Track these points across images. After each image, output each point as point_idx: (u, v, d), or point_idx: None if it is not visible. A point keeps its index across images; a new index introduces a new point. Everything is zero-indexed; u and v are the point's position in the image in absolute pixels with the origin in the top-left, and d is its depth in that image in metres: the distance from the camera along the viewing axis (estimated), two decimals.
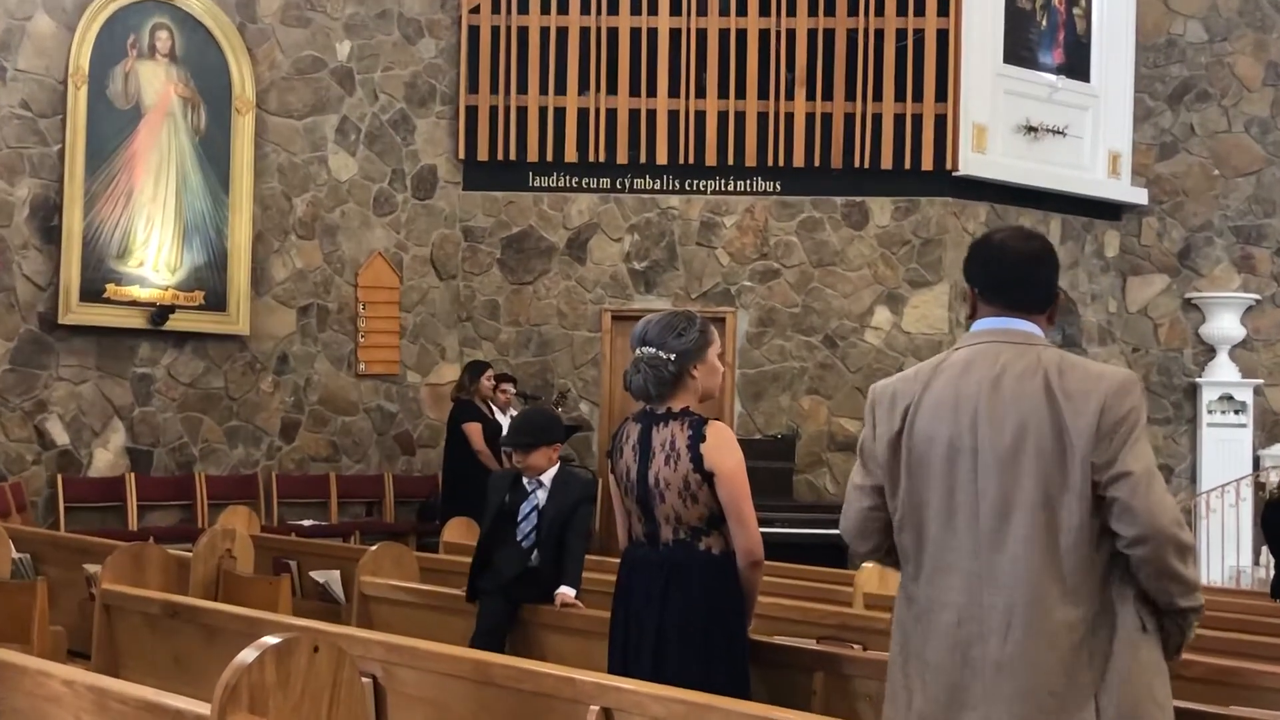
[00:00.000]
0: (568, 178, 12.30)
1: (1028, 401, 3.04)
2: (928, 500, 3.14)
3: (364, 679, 3.66)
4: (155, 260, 10.65)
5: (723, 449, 4.13)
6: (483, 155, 12.24)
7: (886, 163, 12.21)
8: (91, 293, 10.27)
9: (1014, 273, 3.22)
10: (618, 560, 4.37)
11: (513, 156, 12.23)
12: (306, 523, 11.09)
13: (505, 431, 10.59)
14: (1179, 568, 3.00)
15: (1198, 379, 13.47)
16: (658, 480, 4.13)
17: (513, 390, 10.97)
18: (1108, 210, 13.47)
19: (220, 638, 4.10)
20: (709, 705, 2.95)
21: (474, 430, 10.24)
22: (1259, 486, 12.64)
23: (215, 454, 11.10)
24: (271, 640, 2.46)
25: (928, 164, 12.21)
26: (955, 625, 3.08)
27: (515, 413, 10.93)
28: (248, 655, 2.44)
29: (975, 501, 3.08)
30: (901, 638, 3.21)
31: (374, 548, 5.58)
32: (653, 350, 4.22)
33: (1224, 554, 12.56)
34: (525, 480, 5.23)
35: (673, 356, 4.20)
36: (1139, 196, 13.50)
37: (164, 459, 10.82)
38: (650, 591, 4.13)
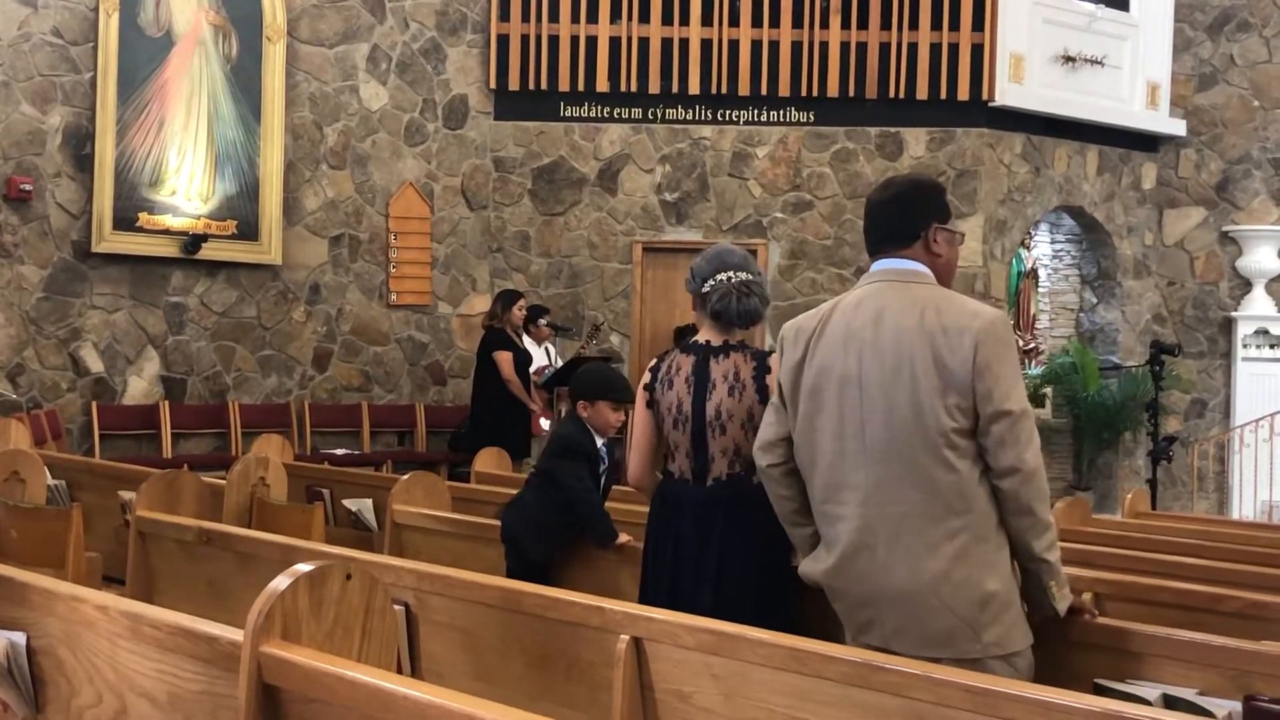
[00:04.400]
0: (599, 108, 12.22)
1: (906, 336, 3.35)
2: (822, 425, 3.46)
3: (396, 606, 3.69)
4: (188, 189, 10.65)
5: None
6: (514, 85, 12.17)
7: (922, 93, 12.09)
8: (124, 221, 10.29)
9: (872, 221, 3.62)
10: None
11: (544, 86, 12.15)
12: (339, 452, 11.15)
13: (547, 368, 10.66)
14: (1038, 506, 3.32)
15: (1233, 313, 13.37)
16: (719, 412, 4.11)
17: (546, 323, 10.96)
18: (1145, 142, 13.32)
19: (253, 564, 4.13)
20: (739, 635, 2.96)
21: (504, 359, 10.24)
22: None
23: (248, 383, 11.15)
24: (305, 568, 2.47)
25: (964, 94, 12.08)
26: (853, 534, 3.40)
27: (549, 345, 10.97)
28: (280, 582, 2.46)
29: (862, 425, 3.39)
30: (813, 547, 3.60)
31: (406, 477, 5.60)
32: (751, 276, 4.23)
33: (1257, 488, 12.51)
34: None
35: (766, 286, 4.30)
36: (1177, 128, 13.34)
37: (197, 387, 10.89)
38: (704, 529, 4.09)
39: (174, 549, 4.40)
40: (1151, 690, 3.38)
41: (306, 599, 2.44)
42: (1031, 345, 13.55)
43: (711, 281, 4.19)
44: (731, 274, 4.18)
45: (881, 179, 3.90)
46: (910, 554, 3.32)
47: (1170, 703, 3.33)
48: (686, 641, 3.03)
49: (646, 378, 4.27)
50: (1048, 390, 12.83)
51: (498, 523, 5.05)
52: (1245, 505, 12.78)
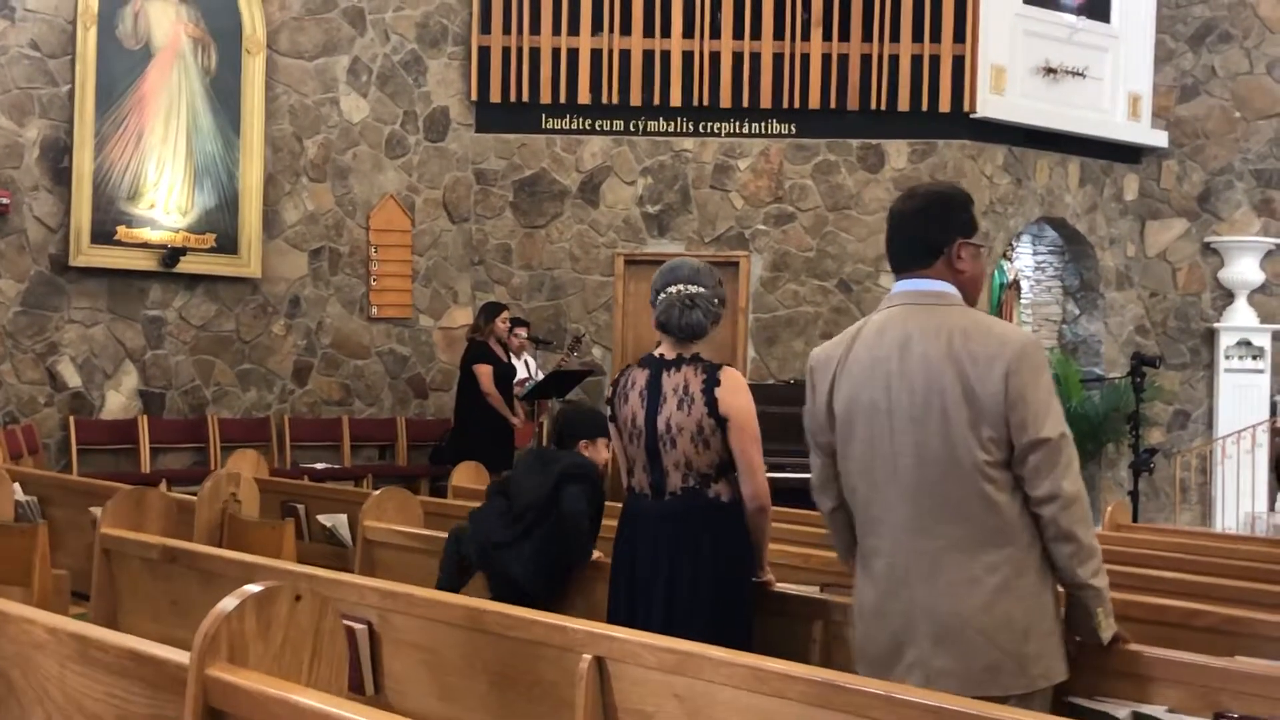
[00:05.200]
0: (580, 120, 12.20)
1: (935, 365, 3.21)
2: (853, 456, 3.35)
3: (359, 625, 3.66)
4: (166, 202, 10.61)
5: (737, 393, 4.13)
6: (495, 97, 12.15)
7: (903, 104, 12.08)
8: (102, 235, 10.24)
9: (894, 236, 3.43)
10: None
11: (525, 98, 12.12)
12: (319, 466, 11.11)
13: (527, 381, 10.62)
14: (1080, 531, 3.20)
15: (1215, 324, 13.36)
16: (669, 425, 4.09)
17: (525, 335, 10.93)
18: (1127, 153, 13.32)
19: (217, 583, 4.08)
20: (701, 655, 2.92)
21: (484, 372, 10.20)
22: (1275, 432, 12.57)
23: (228, 397, 11.10)
24: (253, 588, 2.43)
25: (945, 106, 12.08)
26: (886, 573, 3.29)
27: (530, 358, 10.93)
28: (228, 604, 2.41)
29: (893, 457, 3.26)
30: (857, 581, 3.46)
31: (378, 492, 5.56)
32: (699, 289, 4.18)
33: (1239, 500, 12.50)
34: None
35: (716, 300, 4.22)
36: (1159, 139, 13.34)
37: (176, 401, 10.83)
38: (658, 542, 4.10)
39: (139, 567, 4.35)
40: (1121, 708, 3.35)
41: (254, 620, 2.40)
42: None
43: (662, 294, 4.18)
44: (681, 287, 4.18)
45: (906, 189, 3.69)
46: (950, 589, 3.19)
47: None
48: (648, 661, 2.99)
49: (608, 392, 4.27)
50: None
51: None
52: (1228, 516, 12.77)
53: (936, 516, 3.22)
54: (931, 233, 3.36)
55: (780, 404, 11.17)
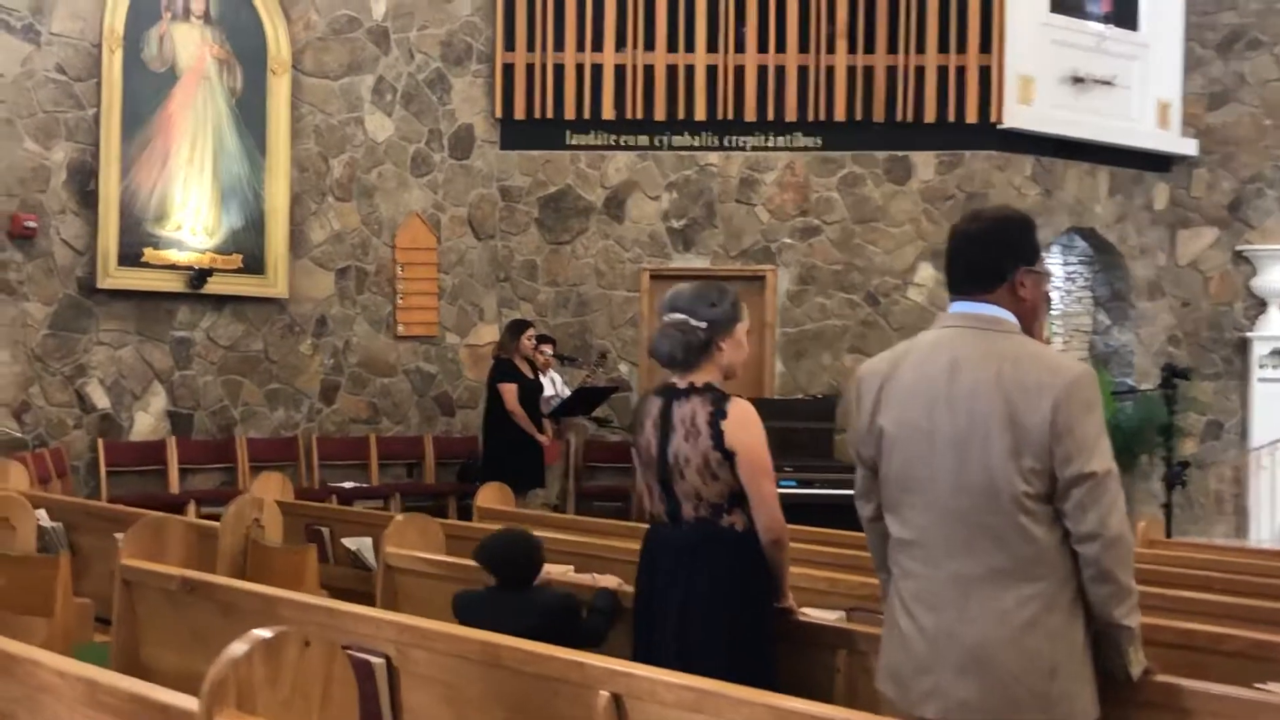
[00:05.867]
0: (605, 135, 12.18)
1: (982, 390, 3.15)
2: (892, 476, 3.30)
3: (377, 658, 3.63)
4: (193, 224, 10.64)
5: (745, 427, 4.05)
6: (519, 114, 12.14)
7: (930, 116, 12.02)
8: (129, 257, 10.27)
9: (958, 258, 3.34)
10: None
11: (550, 115, 12.12)
12: (347, 485, 11.11)
13: (554, 398, 10.60)
14: (1120, 572, 3.12)
15: (1248, 333, 13.23)
16: (677, 457, 4.06)
17: (550, 352, 10.90)
18: (1157, 162, 13.21)
19: (236, 614, 4.06)
20: (719, 693, 2.88)
21: (509, 390, 10.17)
22: None
23: (256, 417, 11.11)
24: (262, 634, 2.40)
25: (972, 116, 12.02)
26: (916, 595, 3.24)
27: (555, 375, 10.91)
28: (236, 649, 2.38)
29: (932, 481, 3.21)
30: (888, 598, 3.41)
31: (399, 518, 5.53)
32: (682, 317, 4.14)
33: (1275, 512, 12.36)
34: None
35: (703, 325, 4.13)
36: (1189, 148, 13.23)
37: (204, 422, 10.85)
38: (673, 571, 4.06)
39: (159, 597, 4.34)
40: None
41: (263, 667, 2.37)
42: None
43: (659, 322, 4.19)
44: (669, 314, 4.17)
45: (969, 211, 3.62)
46: (979, 620, 3.13)
47: None
48: (666, 698, 2.95)
49: (633, 419, 4.24)
50: None
51: None
52: (1263, 528, 12.63)
53: (970, 545, 3.16)
54: (997, 258, 3.29)
55: (808, 419, 11.17)
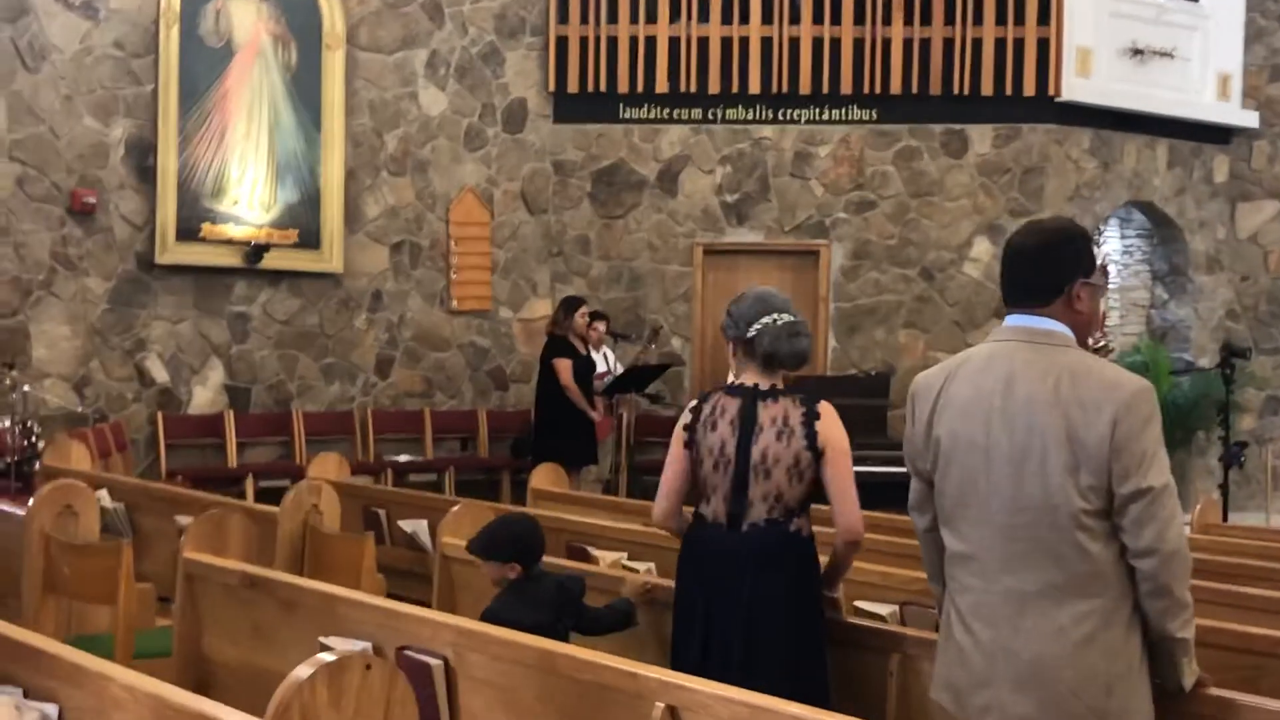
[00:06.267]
0: (659, 109, 12.15)
1: (1039, 406, 3.14)
2: (948, 491, 3.31)
3: (435, 660, 3.68)
4: (249, 199, 10.72)
5: (837, 426, 4.13)
6: (573, 87, 12.12)
7: (987, 89, 11.92)
8: (187, 232, 10.38)
9: (1013, 271, 3.34)
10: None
11: (603, 88, 12.09)
12: (402, 459, 11.20)
13: (606, 375, 10.63)
14: (1177, 587, 3.12)
15: None
16: (765, 456, 4.07)
17: (604, 328, 10.91)
18: (1217, 134, 13.04)
19: (297, 611, 4.12)
20: (773, 709, 2.90)
21: (564, 366, 10.20)
22: None
23: (312, 390, 11.22)
24: (326, 658, 2.45)
25: (1030, 89, 11.91)
26: (972, 610, 3.25)
27: (608, 351, 10.93)
28: (301, 673, 2.44)
29: (988, 496, 3.21)
30: (944, 610, 3.42)
31: (455, 507, 5.58)
32: (794, 318, 4.22)
33: None
34: None
35: (808, 327, 4.29)
36: (1249, 120, 13.05)
37: (262, 396, 10.96)
38: (738, 576, 4.06)
39: (220, 591, 4.41)
40: None
41: (325, 690, 2.42)
42: (1102, 344, 13.33)
43: (759, 325, 4.15)
44: (777, 316, 4.15)
45: (1026, 222, 3.59)
46: (1035, 636, 3.14)
47: None
48: (720, 713, 2.98)
49: (687, 418, 4.21)
50: None
51: (547, 557, 5.04)
52: None
53: (1027, 561, 3.16)
54: (1053, 270, 3.28)
55: (862, 396, 11.12)
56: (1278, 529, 8.88)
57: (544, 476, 7.78)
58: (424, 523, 6.75)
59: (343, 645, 3.91)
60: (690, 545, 4.19)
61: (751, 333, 4.16)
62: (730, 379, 4.28)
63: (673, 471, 4.20)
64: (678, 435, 4.22)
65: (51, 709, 2.92)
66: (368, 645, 3.84)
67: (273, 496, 8.85)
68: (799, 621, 4.03)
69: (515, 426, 11.79)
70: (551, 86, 12.15)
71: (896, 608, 4.90)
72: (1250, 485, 12.79)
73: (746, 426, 4.10)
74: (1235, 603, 5.17)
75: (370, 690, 2.45)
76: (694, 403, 4.26)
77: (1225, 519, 9.74)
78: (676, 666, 3.89)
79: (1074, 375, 3.17)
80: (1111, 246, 13.55)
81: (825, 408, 4.14)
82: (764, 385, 4.17)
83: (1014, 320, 3.33)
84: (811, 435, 4.05)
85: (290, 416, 11.00)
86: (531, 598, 4.29)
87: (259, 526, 5.32)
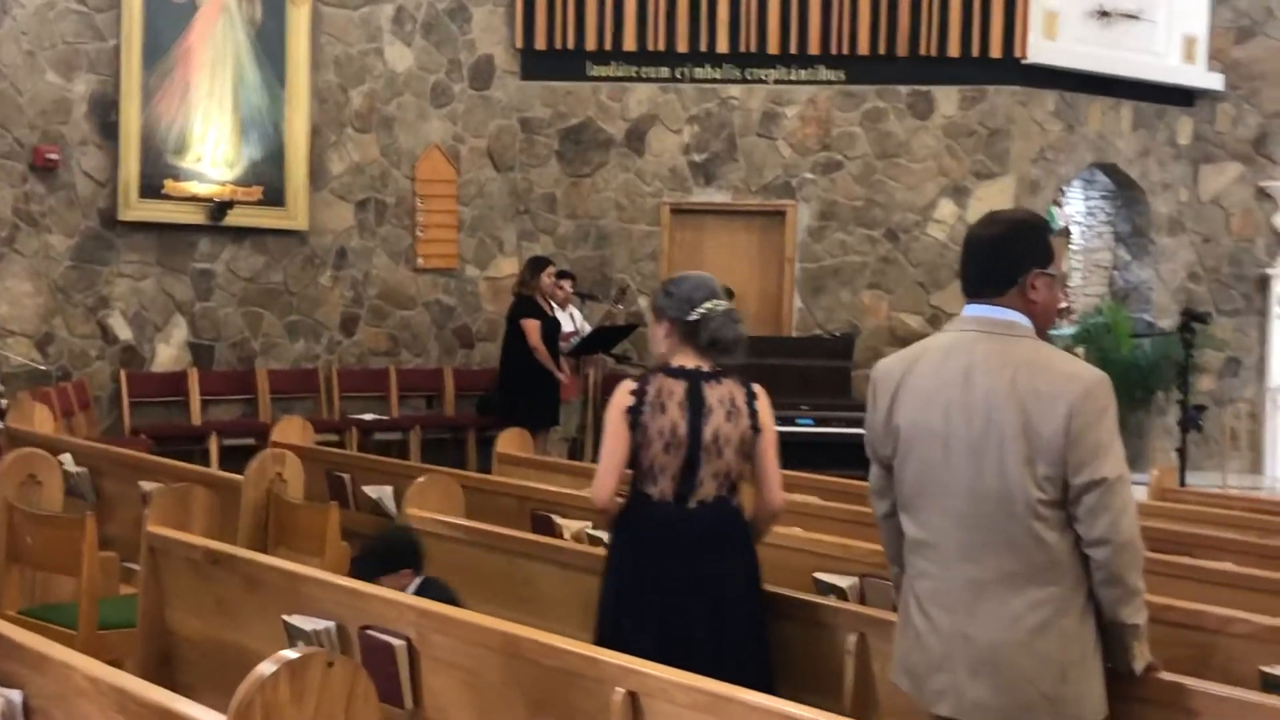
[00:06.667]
0: (627, 67, 12.11)
1: (997, 397, 3.20)
2: (907, 479, 3.36)
3: (398, 640, 3.71)
4: (213, 156, 10.65)
5: (769, 406, 4.31)
6: (540, 44, 12.06)
7: (954, 50, 11.93)
8: (150, 189, 10.31)
9: (970, 261, 3.40)
10: None
11: (570, 45, 12.03)
12: (368, 417, 11.20)
13: (573, 335, 10.63)
14: (1129, 576, 3.20)
15: (1269, 270, 13.18)
16: (717, 436, 4.17)
17: (570, 288, 10.92)
18: (1181, 96, 13.09)
19: (261, 588, 4.14)
20: (732, 698, 2.95)
21: (531, 327, 10.22)
22: None
23: (276, 348, 11.19)
24: (288, 654, 2.48)
25: (996, 51, 11.92)
26: (930, 595, 3.31)
27: (575, 311, 10.94)
28: (263, 669, 2.46)
29: (947, 485, 3.26)
30: (903, 595, 3.47)
31: (421, 479, 5.60)
32: (731, 305, 4.36)
33: None
34: None
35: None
36: (1214, 82, 13.10)
37: (225, 354, 10.94)
38: (690, 551, 4.16)
39: (184, 566, 4.42)
40: None
41: (288, 688, 2.45)
42: (1065, 305, 13.43)
43: (703, 309, 4.22)
44: (719, 302, 4.28)
45: (986, 213, 3.62)
46: (991, 623, 3.21)
47: None
48: (680, 699, 3.02)
49: (630, 400, 4.20)
50: (1079, 350, 12.71)
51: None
52: (1279, 465, 12.69)
53: (985, 549, 3.22)
54: (1008, 262, 3.33)
55: (826, 357, 11.19)
56: (1234, 495, 9.00)
57: (509, 441, 7.81)
58: (389, 489, 6.76)
59: (306, 624, 3.95)
60: (634, 524, 4.23)
61: (695, 316, 4.23)
62: (666, 360, 4.30)
63: (615, 453, 4.19)
64: (619, 418, 4.20)
65: (16, 695, 2.94)
66: (331, 624, 3.87)
67: (236, 455, 8.89)
68: (750, 592, 4.19)
69: (481, 384, 11.80)
70: (519, 43, 12.08)
71: (857, 580, 4.97)
72: (1209, 445, 12.93)
73: (696, 408, 4.19)
74: (1191, 576, 5.26)
75: (332, 688, 2.48)
76: (633, 385, 4.26)
77: (1183, 482, 9.87)
78: (616, 647, 3.87)
79: (1031, 367, 3.21)
80: (1075, 208, 13.63)
81: (759, 389, 4.30)
82: (705, 368, 4.25)
83: (973, 310, 3.37)
84: (754, 414, 4.22)
85: (254, 375, 10.98)
86: (444, 594, 4.44)
87: (223, 495, 5.34)
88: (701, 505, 4.19)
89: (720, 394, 4.21)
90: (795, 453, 9.34)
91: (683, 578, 4.13)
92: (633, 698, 3.11)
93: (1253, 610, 4.46)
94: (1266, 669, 3.97)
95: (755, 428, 4.22)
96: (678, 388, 4.20)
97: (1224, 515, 7.28)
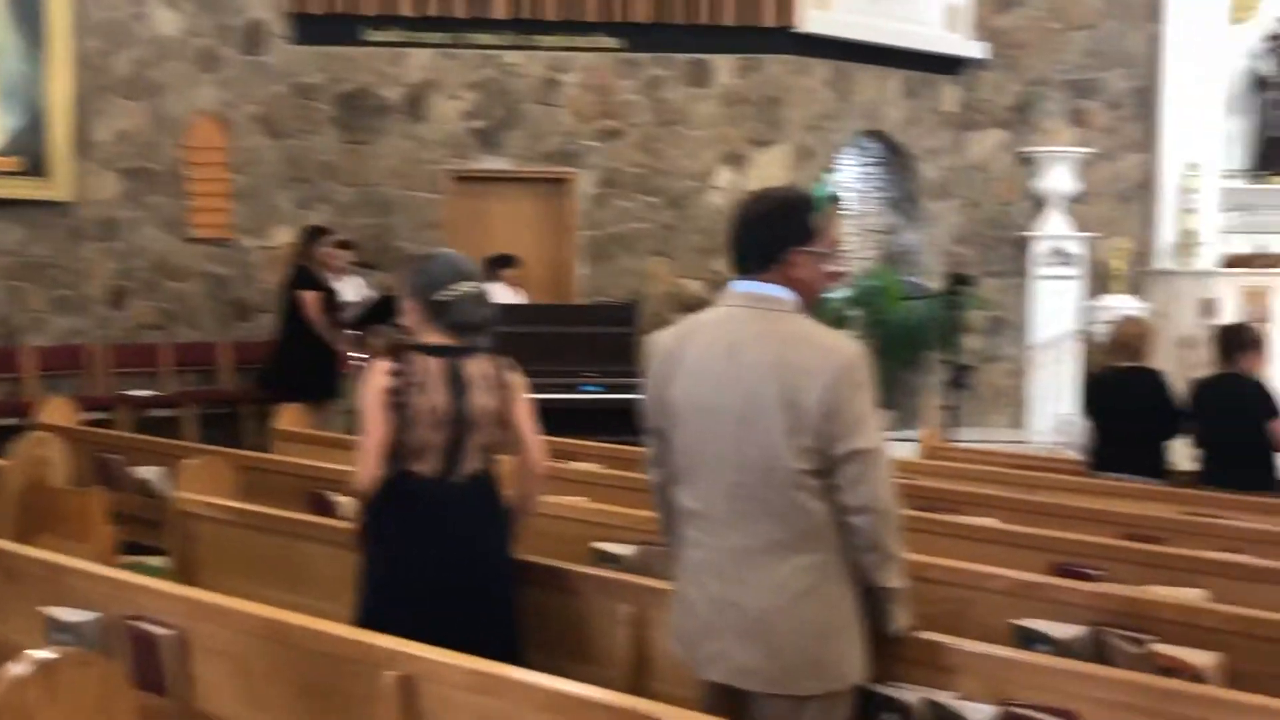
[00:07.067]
0: (404, 32, 11.94)
1: (761, 370, 3.29)
2: (679, 450, 3.45)
3: (165, 631, 3.64)
4: None
5: (521, 377, 4.43)
6: (314, 8, 11.79)
7: (729, 18, 12.08)
8: None
9: (737, 238, 3.47)
10: None
11: (344, 9, 11.80)
12: (141, 394, 10.87)
13: (343, 299, 10.47)
14: (888, 542, 3.35)
15: (1028, 232, 13.74)
16: (479, 410, 4.24)
17: (348, 257, 10.73)
18: (947, 65, 13.51)
19: (22, 579, 4.02)
20: (503, 676, 2.98)
21: (310, 298, 9.99)
22: (1086, 339, 13.03)
23: (41, 325, 10.77)
24: (43, 655, 2.42)
25: (770, 20, 12.10)
26: (701, 564, 3.42)
27: (359, 279, 10.77)
28: (16, 670, 2.40)
29: (716, 457, 3.36)
30: (677, 563, 3.56)
31: (195, 461, 5.48)
32: (480, 287, 4.38)
33: (1052, 405, 12.98)
34: None
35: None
36: (978, 51, 13.56)
37: None
38: (466, 524, 4.24)
39: None
40: (913, 694, 3.51)
41: (41, 689, 2.39)
42: (838, 269, 13.74)
43: (453, 291, 4.26)
44: (468, 283, 4.32)
45: (755, 192, 3.65)
46: (758, 589, 3.30)
47: (932, 707, 3.46)
48: (453, 680, 3.04)
49: (388, 381, 4.17)
50: (855, 313, 13.06)
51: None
52: (1040, 419, 13.27)
53: (751, 518, 3.32)
54: (770, 240, 3.41)
55: (609, 324, 11.25)
56: (998, 452, 9.39)
57: (290, 418, 7.69)
58: (160, 469, 6.61)
59: (69, 615, 3.84)
60: (398, 501, 4.21)
61: (445, 296, 4.26)
62: (416, 337, 4.31)
63: (377, 436, 4.17)
64: (379, 399, 4.16)
65: None
66: (95, 616, 3.78)
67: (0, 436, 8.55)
68: (510, 561, 4.32)
69: (259, 358, 11.48)
70: (290, 7, 11.80)
71: (636, 549, 5.05)
72: (977, 401, 13.44)
73: (458, 385, 4.23)
74: (956, 533, 5.50)
75: (88, 688, 2.42)
76: (388, 365, 4.23)
77: (952, 440, 10.26)
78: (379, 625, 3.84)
79: (793, 341, 3.31)
80: (848, 175, 13.96)
81: (509, 360, 4.41)
82: (458, 345, 4.30)
83: (740, 286, 3.45)
84: (508, 385, 4.33)
85: (18, 353, 10.55)
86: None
87: None
88: (469, 478, 4.26)
89: (479, 369, 4.28)
90: (582, 419, 9.56)
91: (452, 550, 4.17)
92: (405, 681, 3.11)
93: (1016, 565, 4.71)
94: (1016, 622, 4.19)
95: (512, 399, 4.32)
96: (436, 366, 4.22)
97: (990, 472, 7.60)
